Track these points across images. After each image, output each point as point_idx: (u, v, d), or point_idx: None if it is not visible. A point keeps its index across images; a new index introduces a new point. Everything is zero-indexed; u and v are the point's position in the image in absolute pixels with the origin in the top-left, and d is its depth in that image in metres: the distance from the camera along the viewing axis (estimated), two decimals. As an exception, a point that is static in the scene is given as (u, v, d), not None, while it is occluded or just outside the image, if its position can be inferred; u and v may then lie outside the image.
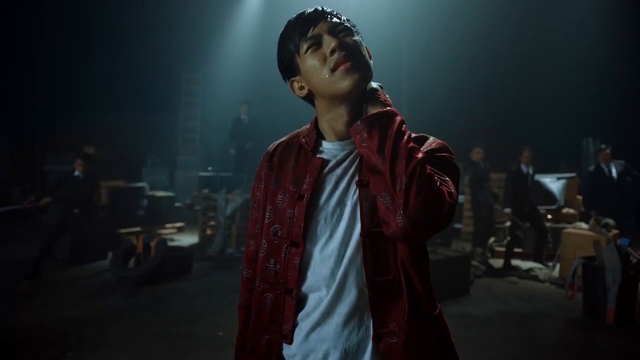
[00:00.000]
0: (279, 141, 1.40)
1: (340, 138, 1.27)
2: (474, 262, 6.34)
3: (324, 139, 1.29)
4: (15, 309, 4.85)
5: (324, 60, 1.20)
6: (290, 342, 1.22)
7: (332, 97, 1.23)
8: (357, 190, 1.20)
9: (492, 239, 7.72)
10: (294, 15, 1.26)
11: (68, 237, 6.60)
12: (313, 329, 1.20)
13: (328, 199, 1.22)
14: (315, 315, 1.20)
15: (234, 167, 9.31)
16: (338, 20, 1.23)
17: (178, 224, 9.00)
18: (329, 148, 1.27)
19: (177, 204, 9.38)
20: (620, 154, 7.48)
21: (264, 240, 1.29)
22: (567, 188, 7.50)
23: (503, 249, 7.48)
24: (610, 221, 6.05)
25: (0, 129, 10.22)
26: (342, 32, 1.21)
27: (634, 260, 4.85)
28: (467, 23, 9.47)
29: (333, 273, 1.19)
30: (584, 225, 6.51)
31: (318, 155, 1.27)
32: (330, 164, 1.25)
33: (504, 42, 9.70)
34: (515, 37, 9.74)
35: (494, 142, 8.00)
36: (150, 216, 8.77)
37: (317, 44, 1.21)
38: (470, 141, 7.38)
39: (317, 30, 1.21)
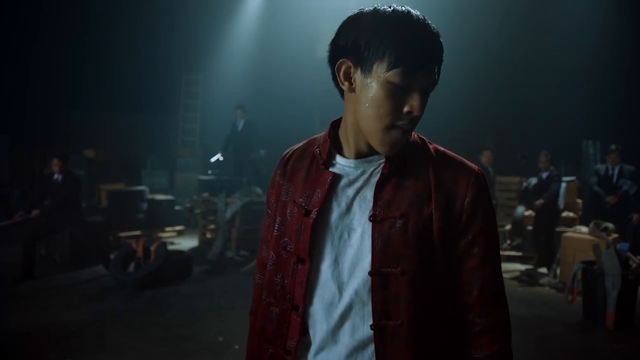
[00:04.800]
0: (294, 147, 1.31)
1: (357, 155, 1.16)
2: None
3: (338, 152, 1.19)
4: (15, 312, 4.85)
5: (392, 107, 1.06)
6: (293, 359, 1.18)
7: (362, 130, 1.12)
8: (370, 225, 1.11)
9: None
10: (414, 16, 1.07)
11: (67, 241, 6.61)
12: (318, 352, 1.16)
13: (336, 220, 1.14)
14: (320, 338, 1.15)
15: (234, 171, 9.32)
16: (436, 77, 1.09)
17: (178, 228, 9.00)
18: (343, 164, 1.17)
19: (177, 207, 9.39)
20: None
21: (272, 253, 1.23)
22: (566, 191, 7.50)
23: (503, 253, 7.51)
24: (610, 225, 6.07)
25: (0, 129, 10.22)
26: (429, 94, 1.10)
27: (634, 265, 4.85)
28: (468, 25, 9.48)
29: (335, 300, 1.13)
30: (583, 228, 6.52)
31: (330, 169, 1.18)
32: (342, 182, 1.16)
33: (505, 44, 9.71)
34: (516, 39, 9.75)
35: (497, 144, 8.00)
36: (150, 219, 8.77)
37: (405, 89, 1.06)
38: (470, 144, 7.39)
39: (418, 77, 1.05)
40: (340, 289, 1.12)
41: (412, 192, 1.11)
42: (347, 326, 1.12)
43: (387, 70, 1.04)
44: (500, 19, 9.34)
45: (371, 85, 1.06)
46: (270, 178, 1.32)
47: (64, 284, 5.90)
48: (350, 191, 1.15)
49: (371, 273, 1.09)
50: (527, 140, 9.65)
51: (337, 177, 1.16)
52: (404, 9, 1.08)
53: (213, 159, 9.57)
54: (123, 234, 7.91)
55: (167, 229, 8.85)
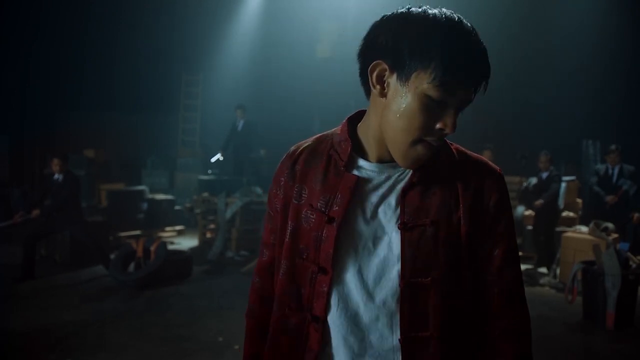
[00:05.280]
0: (303, 145, 1.19)
1: (380, 158, 1.09)
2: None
3: (360, 155, 1.11)
4: (15, 312, 4.85)
5: (425, 121, 0.99)
6: None
7: (385, 137, 1.06)
8: (399, 233, 1.05)
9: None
10: (466, 28, 0.99)
11: (67, 241, 6.61)
12: None
13: (360, 228, 1.07)
14: (345, 350, 1.09)
15: (234, 171, 9.33)
16: (474, 96, 1.03)
17: (178, 227, 9.00)
18: (366, 168, 1.10)
19: (177, 207, 9.39)
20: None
21: (284, 261, 1.14)
22: (566, 191, 7.50)
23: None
24: (610, 225, 6.07)
25: (0, 129, 10.23)
26: (462, 111, 1.05)
27: (634, 265, 4.85)
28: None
29: (359, 311, 1.08)
30: (583, 228, 6.52)
31: (352, 173, 1.09)
32: (366, 187, 1.09)
33: (505, 43, 9.71)
34: (516, 39, 9.75)
35: (497, 144, 8.00)
36: (150, 219, 8.78)
37: (441, 104, 0.99)
38: (470, 144, 7.37)
39: (458, 94, 0.99)
40: (366, 300, 1.07)
41: (440, 198, 1.07)
42: (374, 338, 1.07)
43: (428, 83, 0.96)
44: (500, 19, 9.34)
45: (406, 95, 0.99)
46: (271, 177, 1.22)
47: (64, 284, 5.89)
48: (374, 197, 1.08)
49: (401, 283, 1.04)
50: (527, 140, 9.65)
51: (360, 182, 1.09)
52: (455, 16, 1.00)
53: (213, 159, 9.58)
54: (123, 234, 7.91)
55: (167, 229, 8.85)
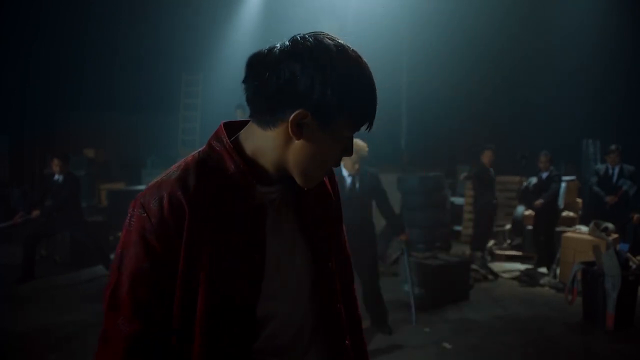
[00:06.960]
0: (189, 184, 1.02)
1: (277, 179, 1.09)
2: (474, 266, 6.34)
3: (259, 180, 1.06)
4: (15, 312, 4.85)
5: (340, 156, 1.08)
6: None
7: (290, 168, 1.05)
8: (307, 243, 1.15)
9: (491, 242, 7.74)
10: (370, 71, 1.03)
11: (67, 241, 6.61)
12: None
13: (280, 251, 1.10)
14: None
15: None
16: None
17: (178, 227, 8.98)
18: (267, 191, 1.08)
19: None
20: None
21: (206, 320, 1.02)
22: (566, 191, 7.50)
23: (503, 252, 7.51)
24: (610, 225, 6.07)
25: (0, 129, 10.24)
26: None
27: (634, 266, 4.85)
28: (468, 24, 9.48)
29: (302, 324, 1.15)
30: (583, 228, 6.52)
31: (257, 201, 1.07)
32: (273, 210, 1.10)
33: (505, 43, 9.72)
34: (517, 38, 9.75)
35: (497, 144, 8.01)
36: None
37: (349, 139, 1.08)
38: (471, 144, 7.38)
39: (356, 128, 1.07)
40: (304, 315, 1.15)
41: (321, 198, 1.20)
42: (315, 349, 1.17)
43: (348, 127, 1.03)
44: (500, 19, 9.34)
45: (326, 139, 1.02)
46: None
47: (64, 284, 5.90)
48: (278, 216, 1.10)
49: (323, 284, 1.18)
50: (527, 140, 9.66)
51: (268, 207, 1.09)
52: (365, 63, 1.02)
53: None
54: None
55: (167, 228, 8.83)
